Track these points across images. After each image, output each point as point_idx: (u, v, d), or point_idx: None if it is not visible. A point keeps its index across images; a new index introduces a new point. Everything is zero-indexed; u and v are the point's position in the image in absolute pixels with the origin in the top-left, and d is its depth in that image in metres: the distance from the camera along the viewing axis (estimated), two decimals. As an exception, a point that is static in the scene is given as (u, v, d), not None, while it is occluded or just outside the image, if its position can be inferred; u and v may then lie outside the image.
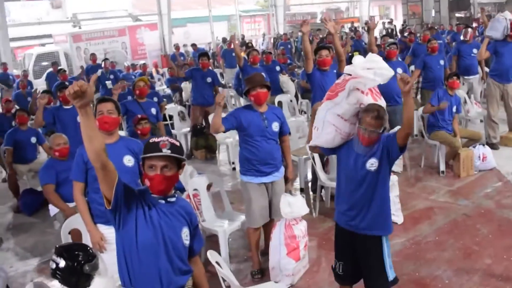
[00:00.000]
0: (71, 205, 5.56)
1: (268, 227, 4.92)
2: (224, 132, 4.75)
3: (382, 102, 3.65)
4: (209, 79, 9.12)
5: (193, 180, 5.34)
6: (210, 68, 9.77)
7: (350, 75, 3.59)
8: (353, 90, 3.54)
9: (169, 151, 2.74)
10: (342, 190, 3.76)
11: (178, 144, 2.82)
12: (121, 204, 2.69)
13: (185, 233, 2.87)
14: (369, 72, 3.46)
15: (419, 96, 9.52)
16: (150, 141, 2.82)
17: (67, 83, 10.37)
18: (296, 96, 10.58)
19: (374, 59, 3.56)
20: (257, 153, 4.68)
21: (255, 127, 4.65)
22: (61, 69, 13.58)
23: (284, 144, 4.94)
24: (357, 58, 3.61)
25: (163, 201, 2.82)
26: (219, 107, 4.52)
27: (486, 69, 10.31)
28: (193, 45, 18.36)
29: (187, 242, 2.88)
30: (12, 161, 7.46)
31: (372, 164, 3.55)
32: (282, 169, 4.91)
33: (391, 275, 3.64)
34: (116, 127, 4.06)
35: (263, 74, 5.06)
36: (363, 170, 3.57)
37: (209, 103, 8.81)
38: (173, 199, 2.86)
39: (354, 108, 3.56)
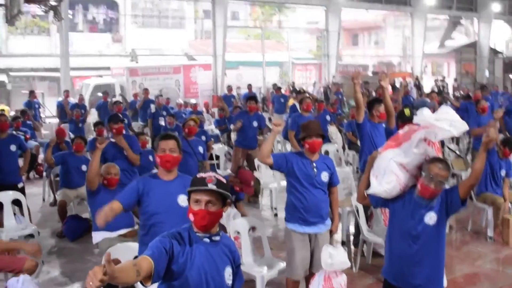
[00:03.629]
0: (112, 234, 5.66)
1: (309, 279, 4.83)
2: (271, 167, 4.75)
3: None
4: (255, 123, 9.23)
5: (236, 222, 5.34)
6: (258, 111, 9.89)
7: (418, 125, 3.60)
8: (422, 141, 3.56)
9: (215, 186, 2.75)
10: (395, 245, 3.69)
11: (224, 180, 2.83)
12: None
13: (228, 273, 2.85)
14: (444, 123, 3.48)
15: (469, 157, 9.35)
16: (198, 176, 2.84)
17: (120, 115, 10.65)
18: (343, 147, 10.55)
19: (448, 111, 3.59)
20: (303, 201, 4.64)
21: (304, 174, 4.62)
22: (117, 101, 13.99)
23: (333, 196, 4.87)
24: (425, 110, 3.64)
25: (207, 240, 2.82)
26: (273, 133, 4.53)
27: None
28: (249, 86, 18.67)
29: (229, 282, 2.87)
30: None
31: (430, 218, 3.52)
32: (329, 221, 4.83)
33: None
34: (177, 165, 4.07)
35: (319, 122, 5.06)
36: (420, 224, 3.53)
37: (252, 146, 8.89)
38: (217, 238, 2.86)
39: (419, 159, 3.57)
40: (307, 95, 11.37)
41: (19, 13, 9.37)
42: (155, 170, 8.07)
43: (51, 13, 12.33)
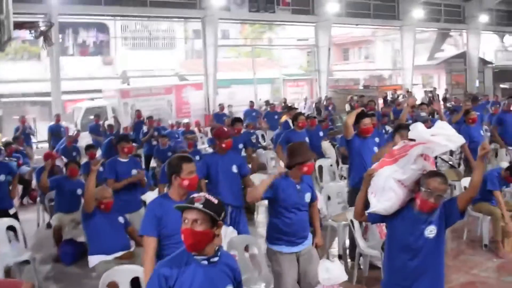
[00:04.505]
0: (108, 257, 5.62)
1: None
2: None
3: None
4: (240, 145, 9.27)
5: (231, 240, 5.33)
6: (245, 131, 10.00)
7: (413, 140, 3.62)
8: (419, 157, 3.57)
9: (201, 206, 2.76)
10: (396, 260, 3.69)
11: (215, 201, 2.82)
12: None
13: None
14: (441, 138, 3.51)
15: (461, 167, 9.40)
16: (191, 196, 2.88)
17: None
18: (336, 161, 10.59)
19: (443, 126, 3.63)
20: (290, 225, 4.60)
21: (291, 200, 4.58)
22: (109, 124, 14.11)
23: (313, 210, 4.88)
24: (419, 125, 3.66)
25: (205, 262, 2.83)
26: (269, 179, 4.54)
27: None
28: (251, 102, 18.83)
29: None
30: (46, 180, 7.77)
31: (431, 231, 3.54)
32: (310, 235, 4.82)
33: None
34: None
35: (307, 144, 5.01)
36: (421, 238, 3.54)
37: None
38: (215, 259, 2.86)
39: (417, 174, 3.58)
40: (300, 111, 11.43)
41: (9, 39, 9.39)
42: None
43: (42, 38, 12.37)
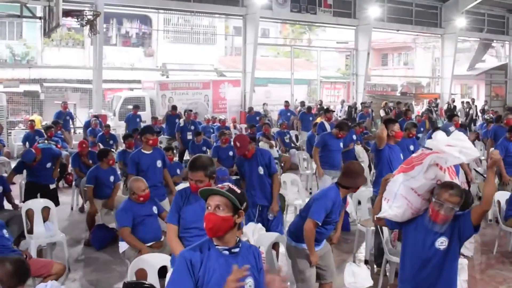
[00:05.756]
0: (146, 245, 5.72)
1: None
2: None
3: (457, 181, 3.64)
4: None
5: (259, 237, 5.39)
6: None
7: (430, 149, 3.60)
8: (432, 166, 3.54)
9: (223, 191, 2.84)
10: (407, 268, 3.69)
11: (238, 191, 2.89)
12: None
13: (249, 284, 2.90)
14: (454, 149, 3.46)
15: (497, 180, 9.25)
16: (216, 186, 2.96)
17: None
18: (369, 166, 10.54)
19: (460, 137, 3.58)
20: (324, 234, 4.75)
21: (336, 217, 4.68)
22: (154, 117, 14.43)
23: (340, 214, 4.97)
24: (439, 134, 3.63)
25: (227, 252, 2.89)
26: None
27: None
28: (286, 102, 19.02)
29: None
30: (92, 196, 7.85)
31: (441, 242, 3.50)
32: None
33: None
34: None
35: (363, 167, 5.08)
36: (431, 249, 3.52)
37: None
38: (236, 250, 2.91)
39: (430, 184, 3.55)
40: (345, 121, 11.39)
41: (57, 26, 9.66)
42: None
43: (87, 27, 12.70)
